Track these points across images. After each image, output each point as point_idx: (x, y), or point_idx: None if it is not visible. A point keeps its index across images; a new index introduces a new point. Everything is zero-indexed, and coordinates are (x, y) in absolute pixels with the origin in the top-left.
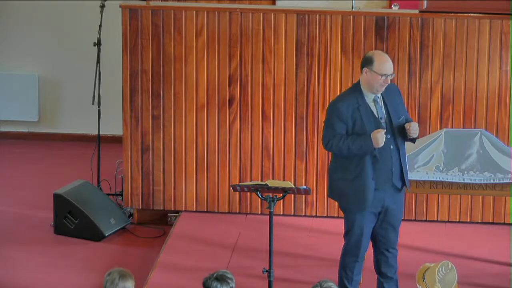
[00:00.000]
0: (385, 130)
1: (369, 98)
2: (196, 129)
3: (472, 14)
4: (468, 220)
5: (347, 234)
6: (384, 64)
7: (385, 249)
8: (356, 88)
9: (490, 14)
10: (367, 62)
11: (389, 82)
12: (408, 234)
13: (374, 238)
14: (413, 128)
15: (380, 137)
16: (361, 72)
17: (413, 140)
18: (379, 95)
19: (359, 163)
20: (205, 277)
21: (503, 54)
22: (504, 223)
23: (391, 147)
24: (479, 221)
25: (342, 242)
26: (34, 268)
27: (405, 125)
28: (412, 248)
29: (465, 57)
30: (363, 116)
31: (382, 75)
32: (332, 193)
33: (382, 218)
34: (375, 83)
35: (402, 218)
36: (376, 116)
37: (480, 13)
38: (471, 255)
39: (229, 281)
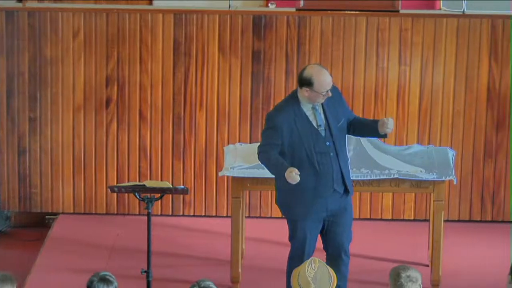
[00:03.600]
0: (298, 173)
1: (306, 107)
2: (73, 130)
3: (348, 12)
4: None
5: (291, 239)
6: (324, 83)
7: (338, 254)
8: (293, 97)
9: (367, 11)
10: (306, 82)
11: (330, 94)
12: None
13: (324, 244)
14: (390, 123)
15: (291, 177)
16: (299, 87)
17: (385, 136)
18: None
19: (300, 172)
20: (90, 279)
21: (379, 51)
22: (381, 219)
23: (331, 154)
24: (356, 217)
25: (220, 241)
26: None
27: (381, 120)
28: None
29: (342, 54)
30: (300, 128)
31: (323, 93)
32: (277, 200)
33: (327, 223)
34: (317, 98)
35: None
36: (314, 124)
37: (356, 10)
38: (352, 252)
39: (113, 281)
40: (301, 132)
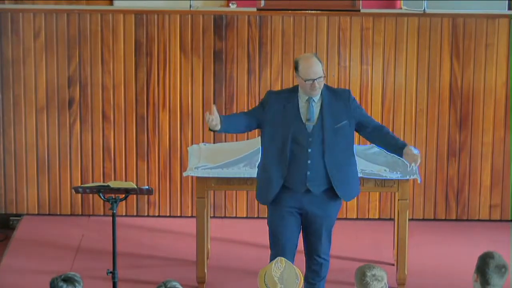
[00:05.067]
0: (212, 117)
1: (302, 98)
2: (37, 131)
3: (309, 11)
4: None
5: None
6: (308, 69)
7: (310, 254)
8: (294, 88)
9: (328, 11)
10: (295, 67)
11: (317, 85)
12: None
13: (303, 241)
14: (417, 159)
15: (206, 118)
16: None
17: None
18: (316, 98)
19: (273, 158)
20: (53, 277)
21: (341, 50)
22: (346, 218)
23: (309, 150)
24: None
25: (185, 241)
26: None
27: (407, 150)
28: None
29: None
30: (286, 114)
31: (306, 80)
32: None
33: (305, 222)
34: (304, 87)
35: (333, 228)
36: (303, 117)
37: (317, 10)
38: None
39: (77, 284)
40: (286, 118)
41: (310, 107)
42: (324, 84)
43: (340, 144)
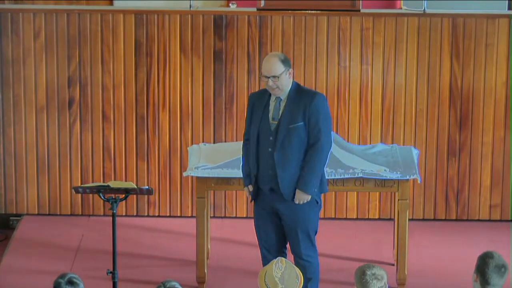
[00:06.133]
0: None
1: (272, 97)
2: (37, 131)
3: (309, 11)
4: None
5: None
6: (263, 66)
7: (293, 255)
8: None
9: (328, 11)
10: None
11: (271, 83)
12: None
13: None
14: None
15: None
16: None
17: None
18: (283, 97)
19: (251, 156)
20: (56, 280)
21: (341, 50)
22: (346, 218)
23: (269, 149)
24: (321, 217)
25: (185, 241)
26: None
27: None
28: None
29: (304, 54)
30: (259, 112)
31: (262, 76)
32: None
33: (282, 222)
34: (265, 84)
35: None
36: (269, 115)
37: (317, 10)
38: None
39: (79, 282)
40: (258, 117)
41: (276, 106)
42: (297, 84)
43: (293, 144)
